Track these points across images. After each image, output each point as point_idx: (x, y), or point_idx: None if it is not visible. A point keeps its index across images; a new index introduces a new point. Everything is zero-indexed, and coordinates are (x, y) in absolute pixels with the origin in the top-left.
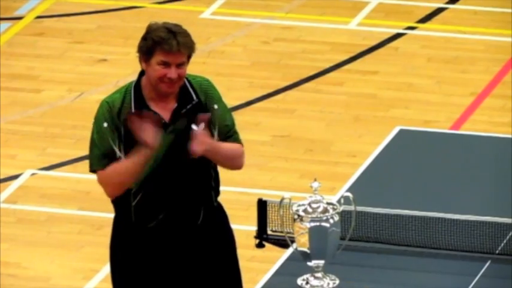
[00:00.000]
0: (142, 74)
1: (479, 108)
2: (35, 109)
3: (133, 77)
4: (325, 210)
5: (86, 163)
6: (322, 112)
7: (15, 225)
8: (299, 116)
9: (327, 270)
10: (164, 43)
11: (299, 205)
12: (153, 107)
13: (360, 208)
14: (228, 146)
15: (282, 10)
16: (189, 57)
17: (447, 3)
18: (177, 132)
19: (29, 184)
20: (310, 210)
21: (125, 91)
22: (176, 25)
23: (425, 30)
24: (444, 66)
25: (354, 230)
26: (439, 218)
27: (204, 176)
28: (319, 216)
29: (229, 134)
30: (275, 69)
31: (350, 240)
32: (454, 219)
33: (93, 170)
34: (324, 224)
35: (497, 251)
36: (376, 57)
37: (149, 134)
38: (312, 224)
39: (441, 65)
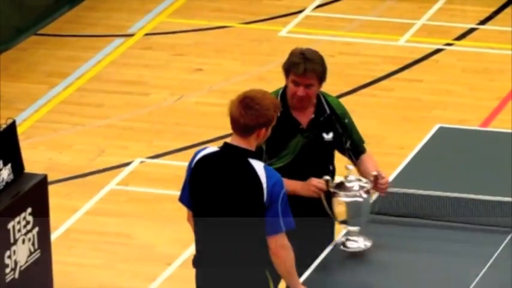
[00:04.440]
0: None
1: (504, 110)
2: (143, 109)
3: (225, 84)
4: (360, 188)
5: (184, 153)
6: (376, 112)
7: (126, 204)
8: (357, 115)
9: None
10: (294, 67)
11: (337, 183)
12: (294, 114)
13: (406, 190)
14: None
15: (344, 29)
16: (320, 80)
17: (478, 24)
18: (311, 138)
19: (138, 170)
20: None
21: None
22: (313, 51)
23: (460, 46)
24: (475, 76)
25: (401, 208)
26: (468, 199)
27: (322, 172)
28: (353, 193)
29: (360, 147)
30: (338, 78)
31: (399, 216)
32: (481, 200)
33: None
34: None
35: None
36: (420, 68)
37: None
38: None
39: (473, 74)
